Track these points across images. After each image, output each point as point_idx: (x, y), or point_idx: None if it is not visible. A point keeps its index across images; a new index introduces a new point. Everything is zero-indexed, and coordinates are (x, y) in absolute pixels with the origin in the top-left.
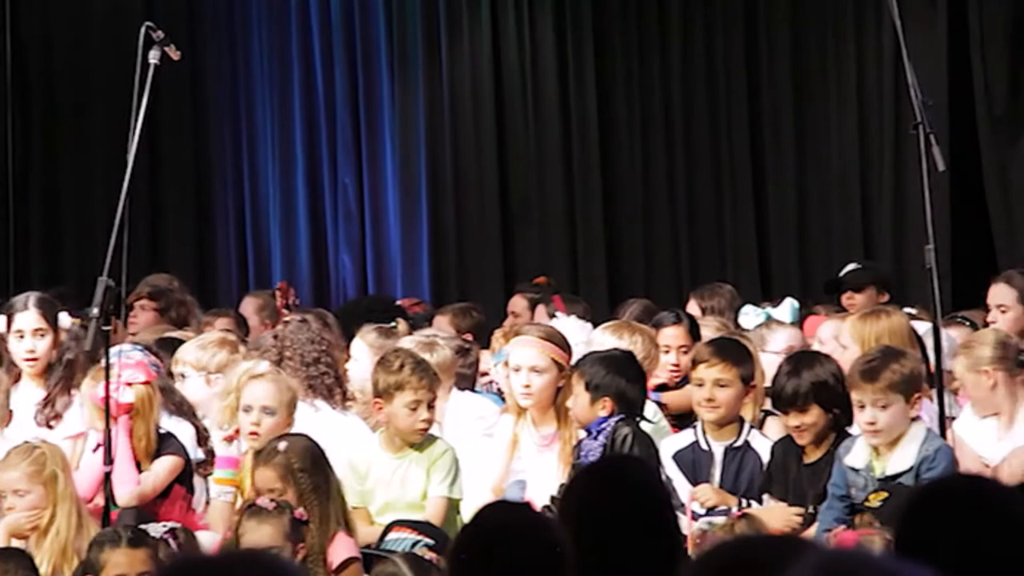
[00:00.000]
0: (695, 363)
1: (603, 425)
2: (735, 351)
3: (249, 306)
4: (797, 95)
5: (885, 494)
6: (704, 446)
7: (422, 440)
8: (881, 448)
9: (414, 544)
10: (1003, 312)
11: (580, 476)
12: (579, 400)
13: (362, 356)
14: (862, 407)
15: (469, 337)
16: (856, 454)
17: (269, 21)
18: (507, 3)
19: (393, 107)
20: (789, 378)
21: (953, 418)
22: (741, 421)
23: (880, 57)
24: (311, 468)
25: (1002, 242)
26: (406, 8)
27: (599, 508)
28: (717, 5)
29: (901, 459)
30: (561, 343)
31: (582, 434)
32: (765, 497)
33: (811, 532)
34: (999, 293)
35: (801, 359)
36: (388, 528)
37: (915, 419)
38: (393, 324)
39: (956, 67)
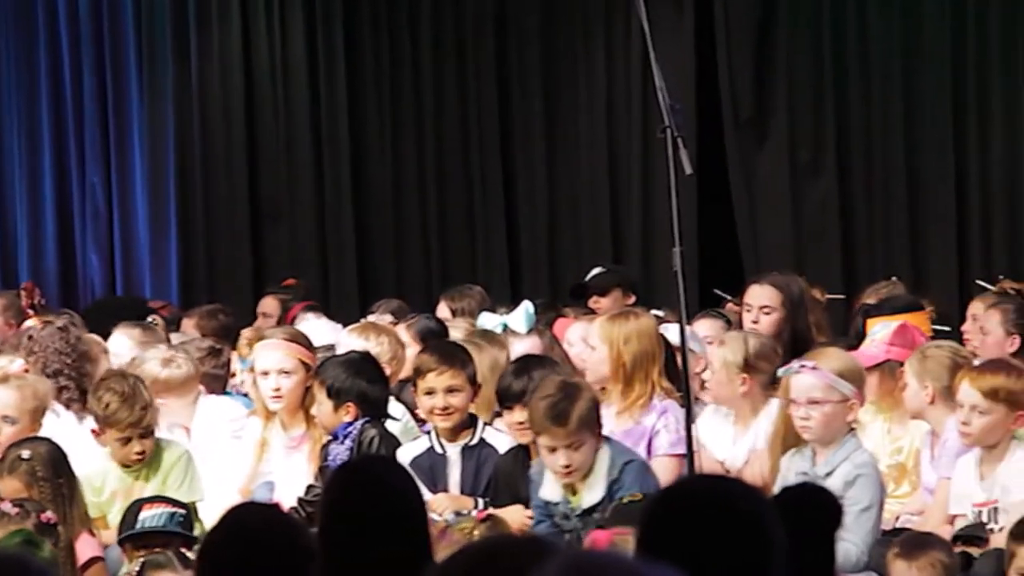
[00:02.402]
0: (422, 372)
1: (349, 429)
2: (460, 355)
3: None
4: (546, 98)
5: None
6: (439, 450)
7: (142, 465)
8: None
9: (172, 516)
10: (767, 313)
11: (331, 477)
12: (323, 407)
13: (124, 352)
14: (553, 451)
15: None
16: (548, 488)
17: (15, 19)
18: (257, 2)
19: (142, 106)
20: (517, 376)
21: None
22: (474, 419)
23: (628, 61)
24: (54, 474)
25: (747, 243)
26: (155, 7)
27: (349, 508)
28: (468, 7)
29: (592, 492)
30: (306, 343)
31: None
32: None
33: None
34: (763, 294)
35: (530, 360)
36: (138, 507)
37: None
38: (152, 321)
39: (703, 71)
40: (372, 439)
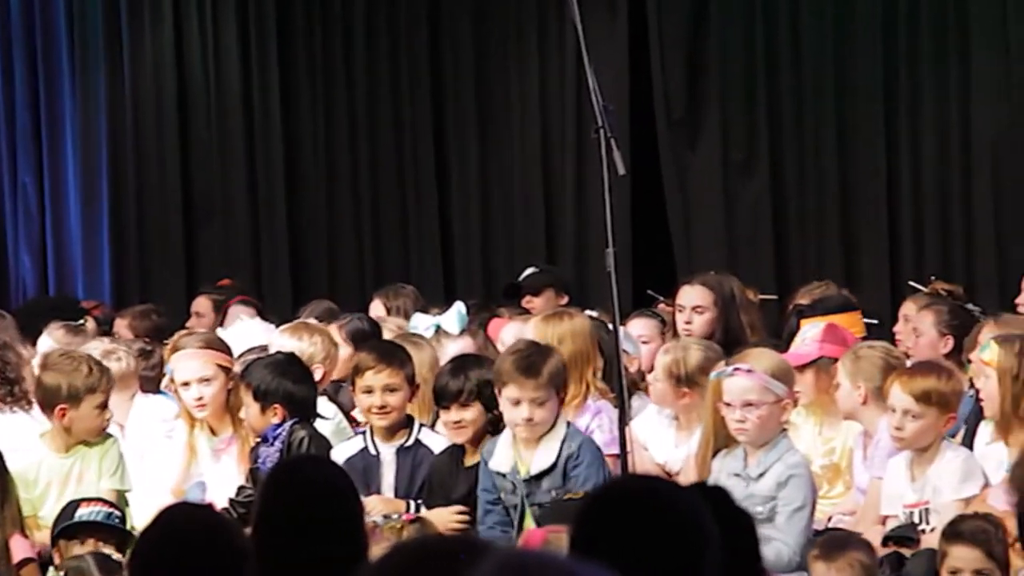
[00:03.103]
0: (360, 370)
1: (279, 431)
2: (399, 354)
3: None
4: (480, 99)
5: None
6: (373, 451)
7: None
8: (524, 449)
9: (109, 515)
10: (699, 313)
11: (266, 478)
12: (250, 410)
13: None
14: (517, 403)
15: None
16: (499, 458)
17: None
18: (190, 3)
19: (74, 106)
20: (453, 375)
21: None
22: (411, 420)
23: (562, 62)
24: None
25: (680, 244)
26: (87, 7)
27: (284, 509)
28: (401, 7)
29: (544, 457)
30: (222, 348)
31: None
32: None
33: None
34: (695, 294)
35: (467, 359)
36: (75, 505)
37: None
38: (82, 322)
39: (636, 72)
40: (302, 440)
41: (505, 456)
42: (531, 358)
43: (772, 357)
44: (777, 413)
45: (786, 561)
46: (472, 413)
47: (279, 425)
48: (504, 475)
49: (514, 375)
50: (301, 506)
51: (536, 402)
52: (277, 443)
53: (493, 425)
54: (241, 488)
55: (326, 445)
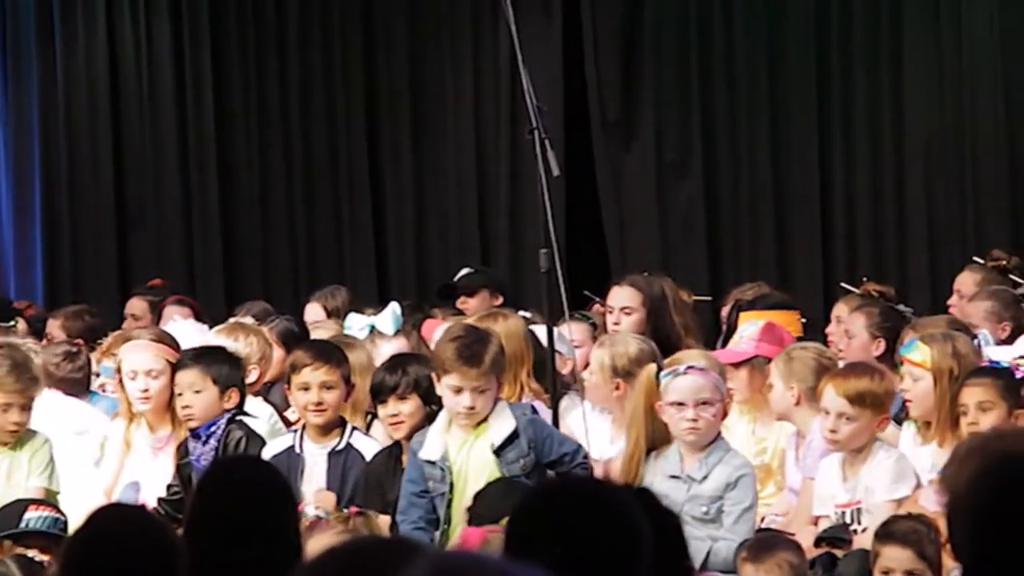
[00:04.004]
0: (296, 367)
1: (212, 429)
2: (335, 352)
3: None
4: (414, 100)
5: None
6: (299, 450)
7: (14, 440)
8: (468, 435)
9: (56, 521)
10: (627, 314)
11: (201, 477)
12: (207, 395)
13: None
14: (459, 391)
15: (80, 341)
16: (430, 446)
17: None
18: (123, 5)
19: (6, 109)
20: (391, 371)
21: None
22: (343, 423)
23: (497, 63)
24: None
25: (615, 244)
26: (20, 11)
27: (219, 509)
28: (335, 8)
29: (502, 427)
30: (172, 344)
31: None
32: None
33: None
34: (623, 295)
35: (405, 356)
36: (23, 507)
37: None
38: (12, 323)
39: (571, 73)
40: (239, 440)
41: (436, 444)
42: (473, 347)
43: (709, 358)
44: (722, 412)
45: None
46: (409, 407)
47: (213, 423)
48: (434, 463)
49: (456, 364)
50: (237, 507)
51: (478, 390)
52: (212, 441)
53: (430, 420)
54: (169, 487)
55: (263, 444)
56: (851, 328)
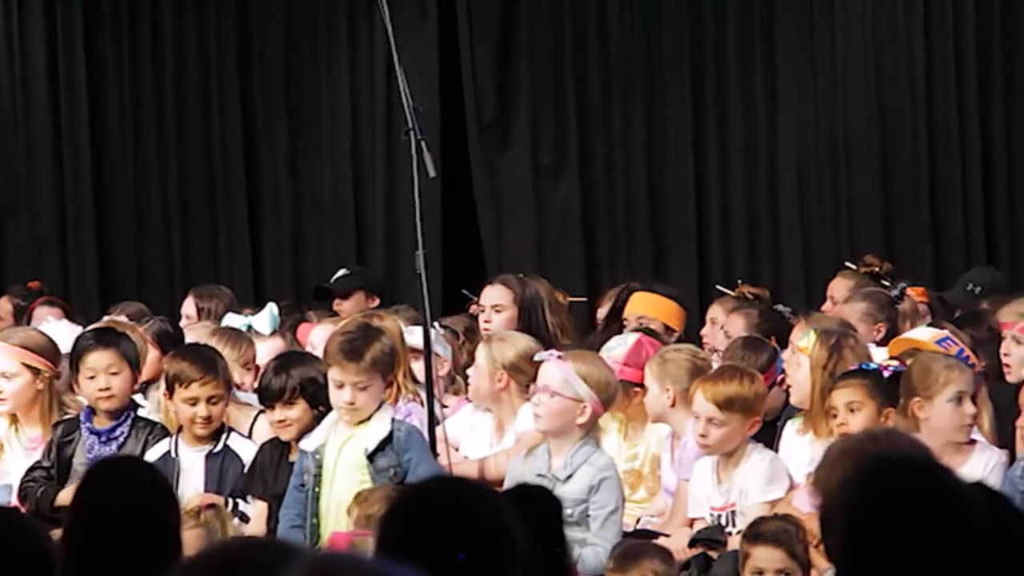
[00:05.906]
0: (183, 381)
1: (116, 433)
2: (219, 362)
3: None
4: (289, 99)
5: None
6: (174, 455)
7: None
8: (349, 433)
9: None
10: (498, 312)
11: (82, 477)
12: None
13: None
14: (341, 386)
15: None
16: (313, 437)
17: None
18: None
19: None
20: (277, 374)
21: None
22: (221, 426)
23: (372, 63)
24: None
25: (490, 245)
26: None
27: (96, 509)
28: (210, 5)
29: (377, 431)
30: (35, 348)
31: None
32: (249, 498)
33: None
34: (494, 293)
35: (290, 357)
36: None
37: None
38: None
39: (447, 74)
40: (150, 434)
41: (319, 436)
42: (356, 342)
43: (596, 364)
44: (572, 412)
45: (604, 563)
46: (297, 411)
47: (117, 426)
48: (307, 454)
49: (337, 357)
50: (122, 506)
51: (358, 386)
52: (113, 445)
53: (319, 422)
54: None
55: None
56: (731, 330)
